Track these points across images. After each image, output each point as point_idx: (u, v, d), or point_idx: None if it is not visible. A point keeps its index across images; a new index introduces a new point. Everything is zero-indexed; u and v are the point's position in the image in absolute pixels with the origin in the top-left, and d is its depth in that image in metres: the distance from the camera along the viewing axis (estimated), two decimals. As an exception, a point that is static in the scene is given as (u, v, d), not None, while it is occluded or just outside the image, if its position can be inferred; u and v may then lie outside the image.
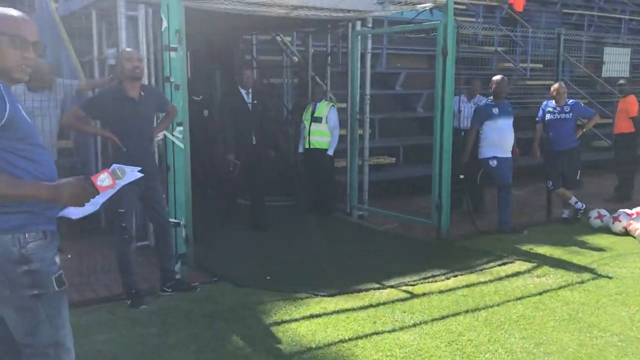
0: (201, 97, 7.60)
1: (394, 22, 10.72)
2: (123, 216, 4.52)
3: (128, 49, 4.89)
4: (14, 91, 5.48)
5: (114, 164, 2.73)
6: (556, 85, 7.20)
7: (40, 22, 8.58)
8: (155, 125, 4.99)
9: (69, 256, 5.49)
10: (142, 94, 4.58)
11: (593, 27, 15.48)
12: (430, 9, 7.36)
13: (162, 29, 4.94)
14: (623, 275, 5.29)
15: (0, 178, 2.18)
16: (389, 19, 10.97)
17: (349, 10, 6.71)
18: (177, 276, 5.04)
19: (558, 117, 7.12)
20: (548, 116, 7.17)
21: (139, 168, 2.66)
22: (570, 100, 7.25)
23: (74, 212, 2.45)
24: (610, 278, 5.22)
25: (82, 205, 2.33)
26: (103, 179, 2.36)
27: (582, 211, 7.16)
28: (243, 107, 6.85)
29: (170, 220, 5.09)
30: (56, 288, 2.32)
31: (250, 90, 6.89)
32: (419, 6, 6.63)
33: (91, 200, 2.50)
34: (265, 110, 7.30)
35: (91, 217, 5.39)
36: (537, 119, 7.40)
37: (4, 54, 2.25)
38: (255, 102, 6.91)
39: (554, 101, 7.19)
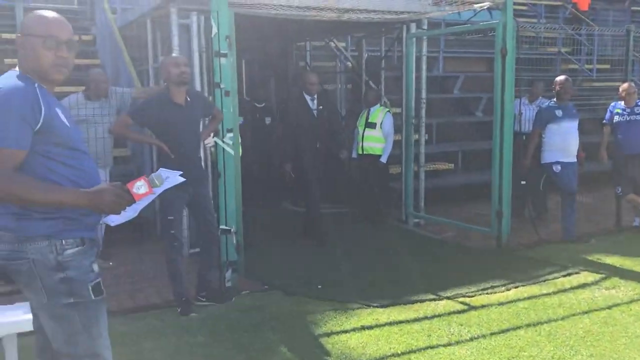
0: (263, 104, 7.61)
1: (451, 24, 10.45)
2: (172, 223, 4.50)
3: (174, 55, 4.90)
4: (75, 100, 5.69)
5: (159, 169, 2.68)
6: (625, 85, 6.78)
7: (100, 33, 8.86)
8: (201, 129, 4.95)
9: (111, 264, 5.54)
10: (188, 99, 4.56)
11: (665, 25, 14.66)
12: (489, 10, 7.12)
13: (212, 35, 4.92)
14: None
15: (38, 184, 2.14)
16: (446, 21, 10.72)
17: (402, 12, 6.53)
18: (228, 283, 5.00)
19: (628, 118, 6.69)
20: (616, 118, 6.75)
21: (181, 172, 2.58)
22: None
23: (113, 219, 2.40)
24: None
25: (119, 212, 2.26)
26: (139, 187, 2.29)
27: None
28: (307, 114, 6.51)
29: (221, 227, 5.05)
30: (93, 297, 2.27)
31: (315, 97, 6.55)
32: (476, 5, 6.38)
33: (129, 207, 2.45)
34: (332, 116, 6.96)
35: (146, 223, 5.47)
36: (604, 121, 6.98)
37: (37, 55, 2.23)
38: (321, 107, 6.58)
39: (622, 102, 6.77)
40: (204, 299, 4.72)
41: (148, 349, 3.92)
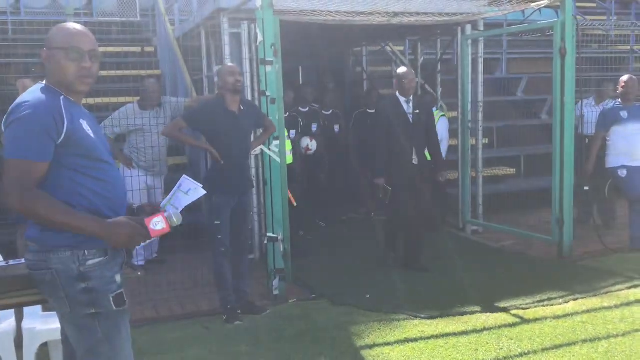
0: (331, 111, 7.52)
1: (514, 24, 10.11)
2: (219, 228, 4.52)
3: (229, 64, 5.02)
4: (131, 109, 5.89)
5: (182, 177, 2.69)
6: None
7: (161, 44, 9.12)
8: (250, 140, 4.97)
9: (140, 273, 5.63)
10: (242, 107, 4.62)
11: None
12: (556, 10, 6.81)
13: (257, 43, 4.94)
14: None
15: (60, 208, 2.16)
16: (508, 21, 10.38)
17: (455, 14, 6.35)
18: (275, 292, 4.99)
19: None
20: None
21: (202, 185, 2.57)
22: None
23: None
24: None
25: (133, 248, 2.29)
26: (156, 223, 2.29)
27: None
28: (402, 119, 5.57)
29: (268, 235, 5.05)
30: (114, 307, 2.28)
31: (411, 98, 5.62)
32: (533, 5, 6.11)
33: None
34: (431, 123, 5.86)
35: (199, 229, 5.51)
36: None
37: (61, 67, 2.27)
38: (418, 111, 5.63)
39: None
40: (240, 311, 4.69)
41: (190, 355, 3.95)
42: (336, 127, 7.50)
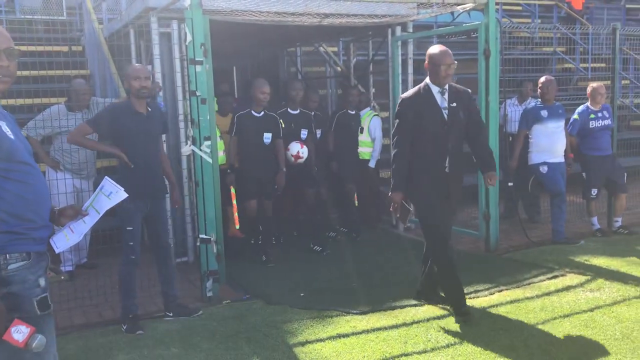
0: (298, 110, 6.44)
1: (443, 26, 10.40)
2: (131, 234, 4.40)
3: (136, 65, 4.77)
4: (57, 110, 5.64)
5: (104, 178, 2.65)
6: (595, 85, 6.69)
7: (89, 43, 8.87)
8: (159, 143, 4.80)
9: (63, 277, 5.50)
10: (149, 109, 4.51)
11: (662, 22, 14.54)
12: (482, 11, 7.04)
13: (187, 43, 4.89)
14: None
15: None
16: (438, 23, 10.67)
17: (384, 16, 6.49)
18: (209, 293, 4.96)
19: (602, 123, 6.62)
20: (592, 123, 6.60)
21: (123, 189, 2.54)
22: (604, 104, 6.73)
23: (58, 245, 2.40)
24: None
25: None
26: (19, 331, 2.08)
27: (599, 231, 6.68)
28: (434, 116, 4.30)
29: (201, 236, 5.02)
30: (38, 312, 2.23)
31: (446, 89, 4.34)
32: (458, 7, 6.32)
33: (75, 230, 2.45)
34: (473, 120, 4.49)
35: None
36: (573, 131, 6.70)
37: None
38: (455, 105, 4.34)
39: (590, 104, 6.65)
40: (172, 314, 4.64)
41: (120, 361, 3.88)
42: (303, 133, 6.46)
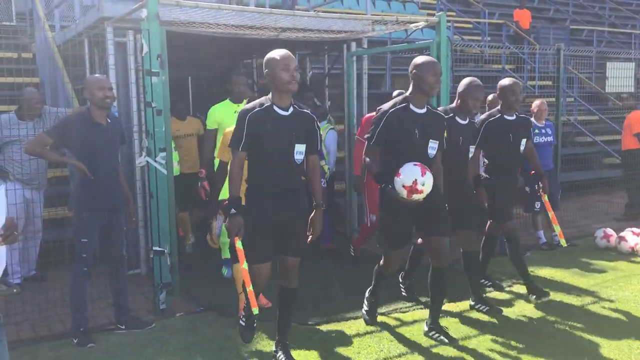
0: None
1: (398, 42, 10.65)
2: (85, 246, 4.33)
3: (98, 76, 4.73)
4: (7, 119, 5.50)
5: None
6: (539, 102, 7.00)
7: (40, 51, 8.70)
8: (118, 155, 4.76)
9: (15, 290, 5.39)
10: (109, 120, 4.48)
11: (604, 43, 15.25)
12: (434, 29, 7.26)
13: (143, 54, 4.89)
14: (626, 298, 5.04)
15: None
16: (392, 39, 10.91)
17: (340, 32, 6.61)
18: (162, 306, 4.92)
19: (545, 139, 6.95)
20: (536, 139, 6.90)
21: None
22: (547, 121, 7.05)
23: None
24: (612, 301, 4.98)
25: None
26: None
27: (545, 245, 6.91)
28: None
29: (154, 248, 4.99)
30: None
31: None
32: (411, 25, 6.51)
33: None
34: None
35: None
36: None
37: None
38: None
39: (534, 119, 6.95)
40: (124, 327, 4.58)
41: (71, 375, 3.82)
42: None
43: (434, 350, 4.07)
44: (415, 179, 3.88)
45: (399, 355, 4.00)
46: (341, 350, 4.11)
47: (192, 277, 5.78)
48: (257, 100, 3.72)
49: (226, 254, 5.64)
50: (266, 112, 3.63)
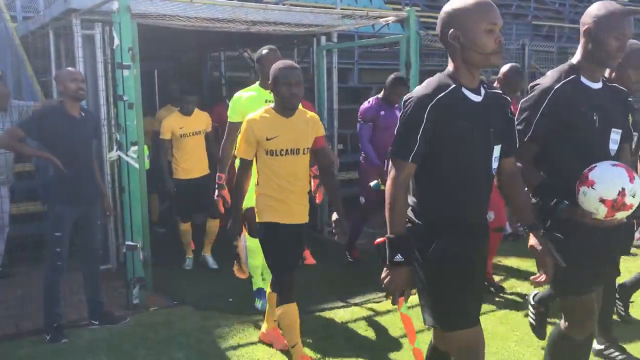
0: None
1: (364, 37, 10.73)
2: (59, 240, 4.27)
3: (70, 69, 4.67)
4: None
5: None
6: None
7: (0, 43, 8.46)
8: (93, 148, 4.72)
9: None
10: (82, 114, 4.44)
11: (564, 39, 15.64)
12: (402, 24, 7.37)
13: (114, 47, 4.83)
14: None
15: None
16: (359, 34, 10.98)
17: (311, 25, 6.65)
18: (135, 301, 4.89)
19: None
20: None
21: None
22: None
23: None
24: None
25: None
26: None
27: (511, 235, 7.04)
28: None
29: (127, 243, 4.95)
30: None
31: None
32: (381, 20, 6.58)
33: None
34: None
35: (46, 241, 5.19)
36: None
37: None
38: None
39: None
40: (97, 322, 4.55)
41: (46, 372, 3.78)
42: None
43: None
44: (622, 188, 2.52)
45: (371, 345, 4.08)
46: (317, 341, 4.17)
47: (165, 271, 5.75)
48: (433, 81, 2.41)
49: (259, 283, 4.83)
50: (453, 97, 2.36)
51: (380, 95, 6.01)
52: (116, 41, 4.80)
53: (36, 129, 4.34)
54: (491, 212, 5.10)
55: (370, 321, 4.51)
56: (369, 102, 6.03)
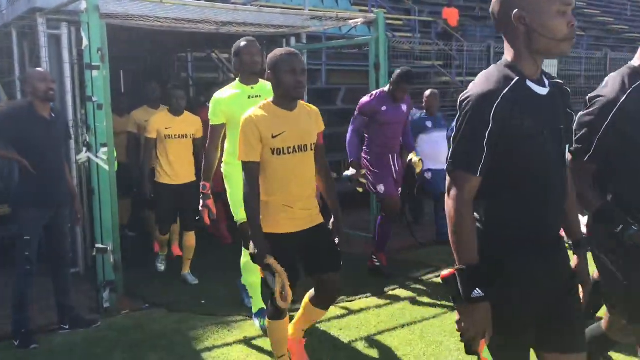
0: None
1: (332, 38, 10.79)
2: (28, 244, 4.17)
3: (39, 69, 4.60)
4: None
5: None
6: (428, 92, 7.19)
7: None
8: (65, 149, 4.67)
9: None
10: (53, 115, 4.36)
11: (526, 40, 15.98)
12: (368, 25, 7.44)
13: (83, 47, 4.76)
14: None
15: None
16: (327, 35, 11.03)
17: (281, 26, 6.66)
18: (106, 304, 4.82)
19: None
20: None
21: None
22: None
23: None
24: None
25: None
26: None
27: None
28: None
29: (97, 246, 4.88)
30: None
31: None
32: (350, 22, 6.64)
33: None
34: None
35: (11, 244, 5.09)
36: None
37: None
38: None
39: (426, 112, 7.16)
40: (68, 327, 4.47)
41: (16, 378, 3.70)
42: None
43: (383, 335, 4.21)
44: None
45: (349, 343, 4.11)
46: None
47: (136, 274, 5.68)
48: (493, 74, 2.05)
49: (259, 303, 4.46)
50: (518, 92, 1.99)
51: (386, 89, 5.67)
52: (85, 42, 4.73)
53: (4, 129, 4.23)
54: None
55: (344, 321, 4.54)
56: (371, 95, 5.67)
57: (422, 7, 15.29)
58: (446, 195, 2.08)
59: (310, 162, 3.32)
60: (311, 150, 3.29)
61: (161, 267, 6.07)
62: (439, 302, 4.89)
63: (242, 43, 4.18)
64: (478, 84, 2.02)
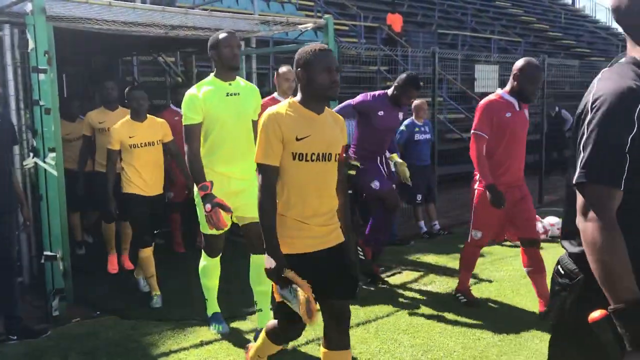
0: None
1: (279, 42, 10.84)
2: None
3: None
4: None
5: None
6: (418, 102, 7.54)
7: None
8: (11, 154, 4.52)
9: None
10: None
11: (467, 46, 16.49)
12: (315, 30, 7.56)
13: (29, 50, 4.65)
14: (501, 278, 5.60)
15: None
16: (274, 39, 11.08)
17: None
18: (55, 313, 4.70)
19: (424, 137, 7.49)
20: (417, 136, 7.46)
21: None
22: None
23: None
24: (491, 282, 5.51)
25: None
26: None
27: (425, 233, 7.50)
28: None
29: (45, 253, 4.76)
30: None
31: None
32: (300, 27, 6.72)
33: None
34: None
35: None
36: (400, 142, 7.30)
37: None
38: None
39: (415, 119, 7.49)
40: (16, 337, 4.33)
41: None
42: None
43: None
44: None
45: (306, 343, 4.15)
46: (249, 342, 4.20)
47: (86, 281, 5.56)
48: (626, 71, 1.75)
49: (214, 307, 4.47)
50: None
51: (388, 92, 5.37)
52: (31, 44, 4.62)
53: None
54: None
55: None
56: (371, 95, 5.40)
57: (366, 13, 15.55)
58: (580, 217, 1.68)
59: (333, 174, 2.93)
60: (335, 161, 2.91)
61: (156, 305, 5.13)
62: (393, 301, 5.00)
63: (222, 35, 3.89)
64: (612, 81, 1.70)
